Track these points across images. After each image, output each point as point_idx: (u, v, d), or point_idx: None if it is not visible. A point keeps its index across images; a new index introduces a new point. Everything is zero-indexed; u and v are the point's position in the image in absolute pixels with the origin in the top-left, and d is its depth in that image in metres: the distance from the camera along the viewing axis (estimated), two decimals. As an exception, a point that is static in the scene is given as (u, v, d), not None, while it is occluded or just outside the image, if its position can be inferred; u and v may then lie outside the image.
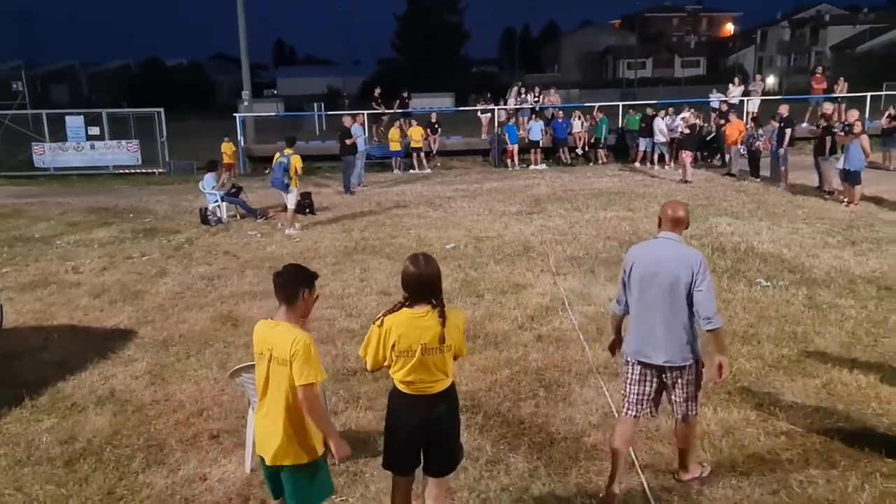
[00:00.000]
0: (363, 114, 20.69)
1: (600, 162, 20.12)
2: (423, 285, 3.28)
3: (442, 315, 3.28)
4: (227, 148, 18.60)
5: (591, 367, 5.95)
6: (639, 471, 4.37)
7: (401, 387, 3.40)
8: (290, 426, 3.21)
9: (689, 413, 4.03)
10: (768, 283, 8.00)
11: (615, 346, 4.37)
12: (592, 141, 20.44)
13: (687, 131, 16.86)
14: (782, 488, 4.13)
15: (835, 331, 6.52)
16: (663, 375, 3.99)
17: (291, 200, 11.98)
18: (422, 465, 3.52)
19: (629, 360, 4.08)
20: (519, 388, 5.64)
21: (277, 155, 12.09)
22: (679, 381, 3.97)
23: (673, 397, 4.02)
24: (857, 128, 12.39)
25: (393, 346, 3.30)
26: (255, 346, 3.33)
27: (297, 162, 11.81)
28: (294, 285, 3.28)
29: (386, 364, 3.39)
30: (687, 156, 16.41)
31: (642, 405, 4.07)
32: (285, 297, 3.28)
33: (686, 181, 15.88)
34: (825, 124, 14.07)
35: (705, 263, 3.83)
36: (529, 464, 4.52)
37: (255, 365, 4.41)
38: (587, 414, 5.15)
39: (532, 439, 4.83)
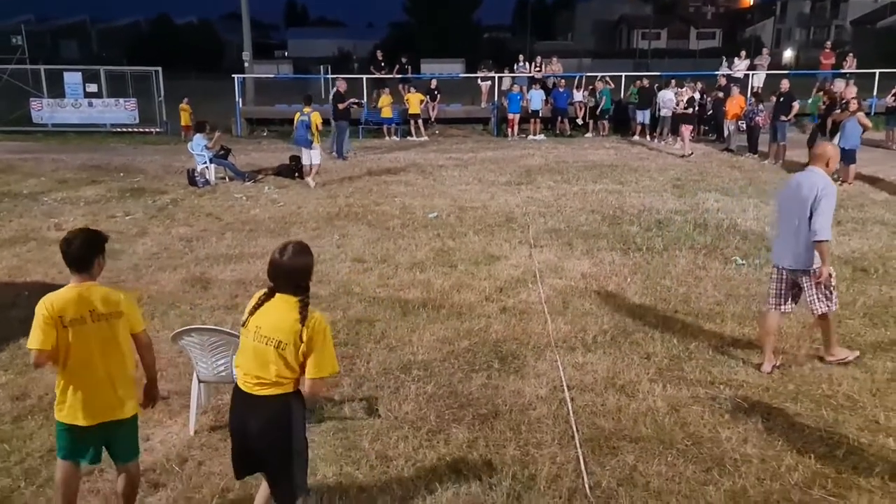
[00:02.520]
0: (363, 79, 20.59)
1: (600, 134, 19.88)
2: (282, 276, 3.03)
3: (303, 312, 2.97)
4: (184, 108, 18.88)
5: (549, 341, 5.93)
6: (577, 444, 4.37)
7: (238, 377, 3.15)
8: (126, 378, 3.36)
9: (818, 309, 5.09)
10: (744, 262, 7.93)
11: None
12: (598, 112, 20.09)
13: (686, 105, 16.61)
14: (715, 466, 4.12)
15: (801, 311, 6.43)
16: (796, 277, 5.14)
17: (316, 156, 12.70)
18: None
19: (773, 264, 5.34)
20: (474, 359, 5.64)
21: (298, 115, 12.72)
22: (807, 283, 5.06)
23: (805, 296, 5.14)
24: (854, 105, 12.16)
25: (245, 322, 3.09)
26: (66, 313, 3.16)
27: (316, 119, 12.50)
28: (88, 254, 3.23)
29: None
30: (687, 129, 16.20)
31: (780, 299, 5.26)
32: (80, 265, 3.23)
33: (685, 155, 15.67)
34: (829, 102, 13.89)
35: (829, 191, 4.87)
36: (470, 434, 4.53)
37: (199, 328, 4.46)
38: (537, 387, 5.14)
39: (477, 411, 4.83)
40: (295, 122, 12.88)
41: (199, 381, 4.64)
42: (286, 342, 2.95)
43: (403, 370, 5.46)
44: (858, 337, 5.83)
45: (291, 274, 3.02)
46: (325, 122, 14.13)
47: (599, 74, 20.95)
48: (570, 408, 4.80)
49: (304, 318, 2.94)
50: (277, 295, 3.05)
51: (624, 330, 6.14)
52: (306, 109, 12.68)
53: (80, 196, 11.91)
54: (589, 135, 19.93)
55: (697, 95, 17.47)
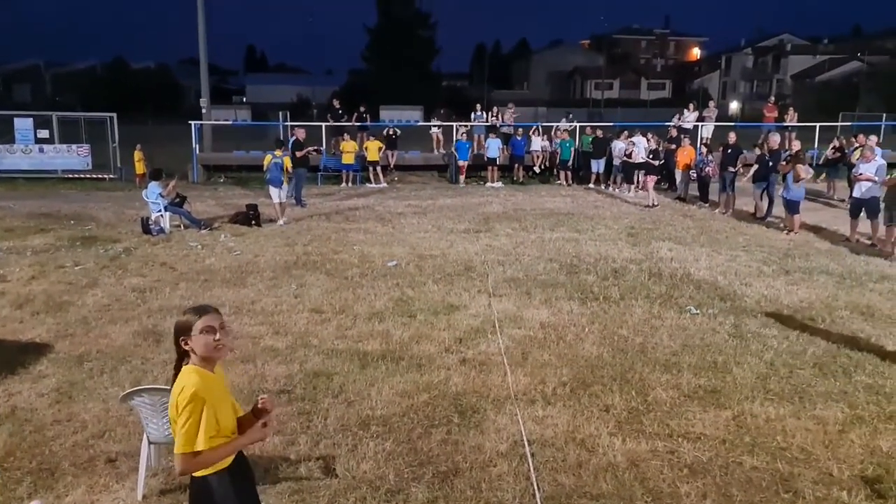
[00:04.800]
0: (321, 126, 20.70)
1: (563, 182, 20.17)
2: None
3: (173, 377, 2.82)
4: (137, 156, 18.84)
5: (509, 394, 5.91)
6: (538, 503, 4.33)
7: None
8: None
9: None
10: (698, 311, 8.08)
11: None
12: (558, 161, 20.49)
13: (650, 157, 17.07)
14: (676, 523, 4.12)
15: (754, 361, 6.59)
16: None
17: (284, 195, 13.92)
18: None
19: None
20: (434, 413, 5.57)
21: (269, 157, 13.82)
22: None
23: None
24: (796, 158, 12.71)
25: None
26: None
27: (287, 162, 14.02)
28: None
29: None
30: (651, 180, 16.55)
31: None
32: None
33: (652, 205, 15.87)
34: (759, 153, 14.65)
35: None
36: (430, 494, 4.45)
37: (150, 388, 4.33)
38: (497, 442, 5.09)
39: (437, 468, 4.76)
40: (267, 164, 13.84)
41: (150, 443, 4.47)
42: (174, 418, 2.74)
43: (362, 426, 5.36)
44: (809, 388, 5.94)
45: (173, 334, 2.85)
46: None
47: (555, 125, 21.45)
48: (530, 464, 4.76)
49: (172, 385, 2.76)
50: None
51: (583, 381, 6.16)
52: (278, 152, 13.90)
53: (28, 245, 11.55)
54: (560, 181, 20.32)
55: (654, 145, 17.98)
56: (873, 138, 14.17)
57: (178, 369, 2.81)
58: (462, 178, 20.27)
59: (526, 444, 5.04)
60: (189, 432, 2.68)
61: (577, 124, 21.70)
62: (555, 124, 22.18)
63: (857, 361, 6.53)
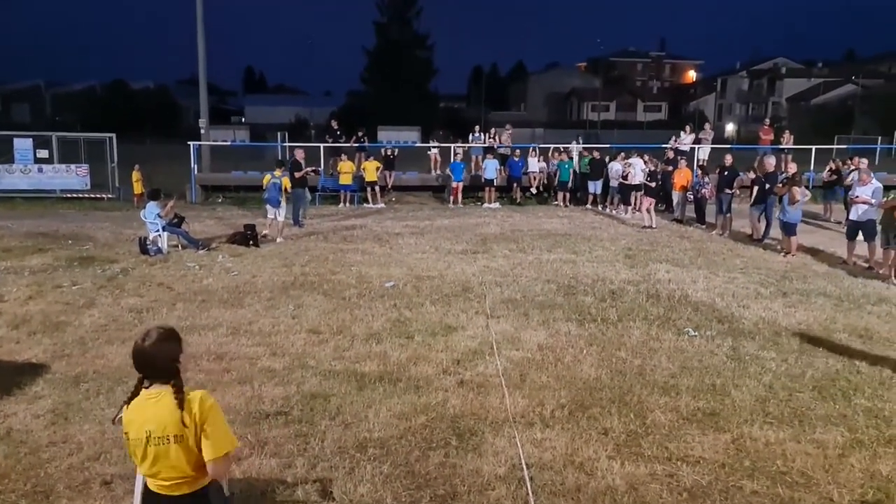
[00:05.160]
0: (320, 147, 20.79)
1: (561, 203, 20.24)
2: (142, 364, 2.87)
3: (178, 396, 2.81)
4: (135, 176, 18.93)
5: (507, 416, 5.88)
6: (537, 527, 4.29)
7: (147, 481, 2.95)
8: None
9: None
10: (696, 333, 8.07)
11: None
12: (556, 183, 20.60)
13: (648, 178, 17.16)
14: (676, 549, 4.09)
15: (753, 384, 6.57)
16: None
17: (282, 214, 14.19)
18: None
19: None
20: (432, 436, 5.54)
21: (268, 177, 14.15)
22: None
23: None
24: (793, 178, 12.78)
25: (126, 435, 2.87)
26: None
27: (286, 182, 14.25)
28: None
29: None
30: (648, 201, 16.63)
31: None
32: None
33: (650, 227, 15.92)
34: (754, 175, 14.75)
35: None
36: (428, 518, 4.42)
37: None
38: (496, 466, 5.06)
39: (435, 492, 4.72)
40: (266, 183, 14.14)
41: (145, 466, 4.43)
42: (181, 433, 2.79)
43: (359, 448, 5.33)
44: (809, 411, 5.93)
45: (153, 358, 2.85)
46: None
47: (553, 146, 21.60)
48: (528, 488, 4.73)
49: (181, 403, 2.80)
50: (143, 392, 2.88)
51: (581, 404, 6.13)
52: (277, 173, 14.22)
53: (25, 265, 11.53)
54: (557, 202, 20.40)
55: (651, 167, 18.08)
56: (864, 161, 14.26)
57: (180, 391, 2.85)
58: (455, 198, 20.34)
59: (524, 467, 5.01)
60: (220, 436, 2.84)
61: (576, 146, 21.85)
62: (552, 146, 22.33)
63: (856, 384, 6.52)
